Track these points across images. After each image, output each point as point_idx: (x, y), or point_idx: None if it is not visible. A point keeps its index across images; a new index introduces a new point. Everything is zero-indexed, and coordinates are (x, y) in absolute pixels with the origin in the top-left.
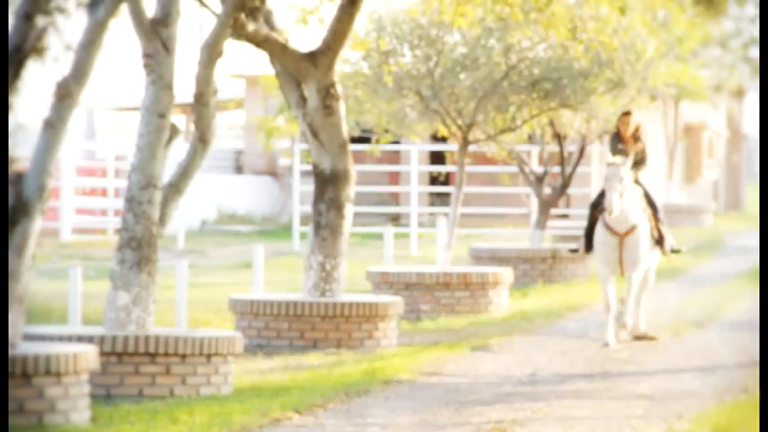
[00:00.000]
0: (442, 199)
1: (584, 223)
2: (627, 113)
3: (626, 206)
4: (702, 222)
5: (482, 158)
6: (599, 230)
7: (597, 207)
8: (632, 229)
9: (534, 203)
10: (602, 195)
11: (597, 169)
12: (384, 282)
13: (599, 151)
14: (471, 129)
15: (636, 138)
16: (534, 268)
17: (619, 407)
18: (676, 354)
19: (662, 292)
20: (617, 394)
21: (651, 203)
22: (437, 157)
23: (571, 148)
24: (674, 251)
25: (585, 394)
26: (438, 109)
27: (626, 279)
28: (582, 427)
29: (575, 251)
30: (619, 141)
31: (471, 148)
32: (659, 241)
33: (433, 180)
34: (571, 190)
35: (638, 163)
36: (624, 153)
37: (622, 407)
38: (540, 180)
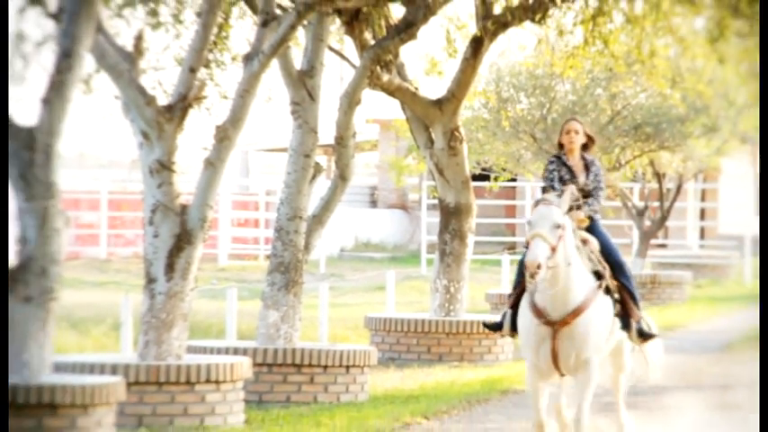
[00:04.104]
0: None
1: (680, 252)
2: (572, 119)
3: (564, 277)
4: None
5: None
6: (524, 312)
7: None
8: (574, 314)
9: (635, 234)
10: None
11: (692, 204)
12: (501, 303)
13: (694, 188)
14: None
15: (587, 161)
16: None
17: (714, 417)
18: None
19: (742, 317)
20: (711, 404)
21: (614, 262)
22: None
23: (669, 185)
24: (642, 336)
25: (682, 405)
26: (550, 150)
27: (575, 384)
28: None
29: (496, 329)
30: (563, 166)
31: None
32: (624, 319)
33: None
34: (669, 222)
35: (591, 196)
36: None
37: (718, 417)
38: (641, 213)
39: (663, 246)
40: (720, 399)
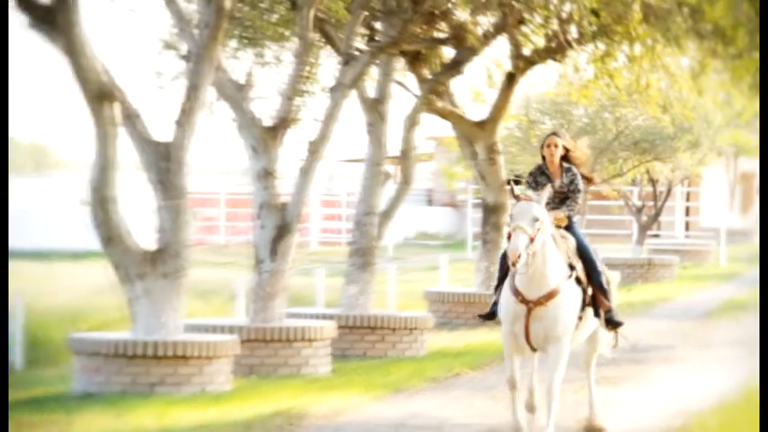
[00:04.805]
0: None
1: (669, 241)
2: (552, 134)
3: (541, 263)
4: (753, 240)
5: (598, 195)
6: (505, 292)
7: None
8: (548, 296)
9: (635, 227)
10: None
11: (679, 204)
12: None
13: (680, 191)
14: (591, 174)
15: (564, 169)
16: (635, 272)
17: (696, 367)
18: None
19: (718, 292)
20: (694, 357)
21: (587, 258)
22: None
23: (661, 188)
24: (610, 323)
25: (672, 358)
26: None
27: (547, 379)
28: (672, 384)
29: (490, 318)
30: (542, 174)
31: (591, 188)
32: (596, 309)
33: None
34: (661, 218)
35: (569, 198)
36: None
37: (699, 367)
38: (639, 211)
39: (656, 236)
40: (701, 353)
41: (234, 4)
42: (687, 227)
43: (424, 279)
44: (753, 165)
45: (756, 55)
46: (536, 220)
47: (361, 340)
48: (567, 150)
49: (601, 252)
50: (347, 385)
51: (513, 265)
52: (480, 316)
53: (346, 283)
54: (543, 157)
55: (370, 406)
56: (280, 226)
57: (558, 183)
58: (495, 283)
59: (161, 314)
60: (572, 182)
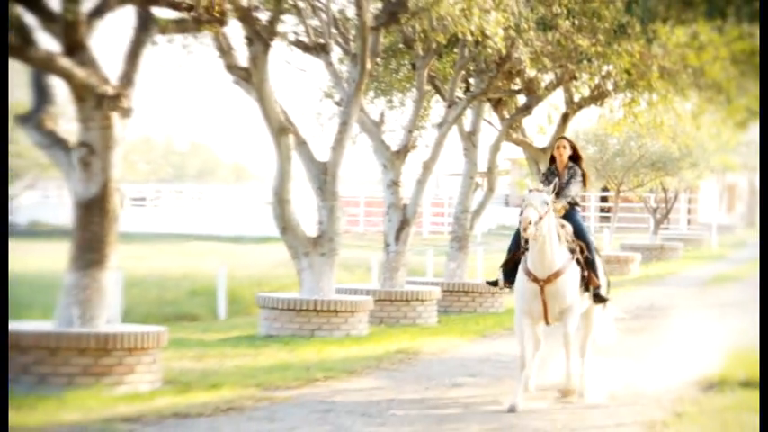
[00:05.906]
0: (606, 220)
1: (676, 232)
2: (562, 138)
3: (549, 249)
4: (735, 233)
5: (626, 199)
6: (519, 275)
7: (517, 242)
8: (555, 275)
9: (651, 222)
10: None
11: (683, 206)
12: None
13: (684, 197)
14: (621, 185)
15: (569, 167)
16: (651, 253)
17: (697, 323)
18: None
19: (711, 268)
20: (696, 316)
21: (583, 239)
22: (603, 199)
23: (670, 195)
24: (597, 298)
25: (681, 316)
26: (605, 175)
27: (563, 332)
28: (677, 335)
29: (495, 284)
30: (551, 172)
31: (621, 194)
32: (586, 285)
33: (602, 210)
34: (671, 216)
35: (567, 187)
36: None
37: (699, 322)
38: (654, 210)
39: (666, 228)
40: (700, 313)
41: (372, 65)
42: (689, 222)
43: (503, 258)
44: (735, 178)
45: (742, 101)
46: (545, 203)
47: (458, 300)
48: (574, 151)
49: (627, 239)
50: (448, 332)
51: (525, 230)
52: (487, 282)
53: (448, 260)
54: (554, 158)
55: (464, 346)
56: (402, 220)
57: (564, 179)
58: (505, 258)
59: (320, 281)
60: (571, 176)
